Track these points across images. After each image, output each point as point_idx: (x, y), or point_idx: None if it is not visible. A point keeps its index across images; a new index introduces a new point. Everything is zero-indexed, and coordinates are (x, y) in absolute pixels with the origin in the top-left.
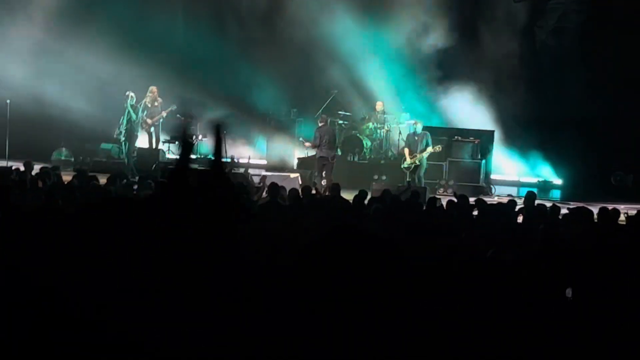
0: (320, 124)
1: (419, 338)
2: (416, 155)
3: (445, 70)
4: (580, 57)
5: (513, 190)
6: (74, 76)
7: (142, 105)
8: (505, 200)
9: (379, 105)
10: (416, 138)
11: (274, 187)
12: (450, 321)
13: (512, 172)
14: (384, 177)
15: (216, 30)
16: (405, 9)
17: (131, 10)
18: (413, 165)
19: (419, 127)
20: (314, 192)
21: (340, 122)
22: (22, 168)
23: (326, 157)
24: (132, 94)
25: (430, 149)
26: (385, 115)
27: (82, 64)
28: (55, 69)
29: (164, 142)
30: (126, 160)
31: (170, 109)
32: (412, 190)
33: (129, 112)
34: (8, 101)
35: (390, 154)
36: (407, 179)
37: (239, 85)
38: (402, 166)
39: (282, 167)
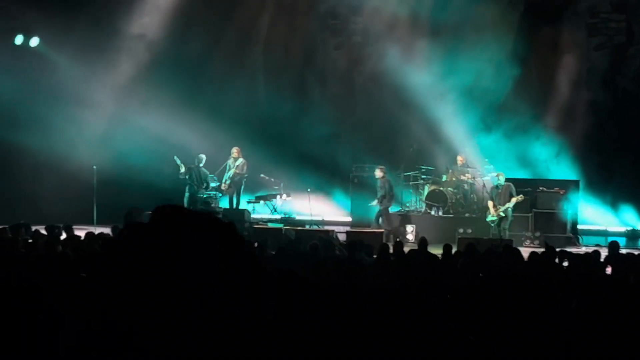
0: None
1: None
2: (499, 208)
3: (528, 121)
4: None
5: (601, 240)
6: (158, 141)
7: (226, 166)
8: (591, 250)
9: (460, 159)
10: (499, 190)
11: (353, 244)
12: None
13: (599, 222)
14: (469, 231)
15: (297, 89)
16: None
17: (213, 77)
18: (498, 218)
19: (502, 179)
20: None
21: (424, 176)
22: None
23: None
24: (202, 155)
25: (514, 200)
26: (468, 169)
27: (165, 129)
28: (138, 134)
29: (248, 202)
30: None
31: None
32: (504, 243)
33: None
34: (94, 167)
35: (474, 207)
36: (492, 232)
37: (320, 142)
38: (487, 219)
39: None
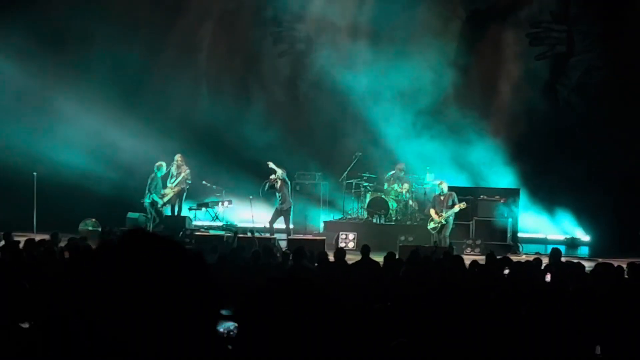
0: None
1: None
2: (442, 215)
3: (468, 127)
4: (604, 113)
5: (541, 248)
6: (99, 147)
7: (168, 174)
8: (532, 258)
9: (399, 167)
10: (442, 198)
11: (298, 250)
12: None
13: (539, 230)
14: (410, 239)
15: (240, 96)
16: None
17: (156, 82)
18: (439, 225)
19: (445, 187)
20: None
21: (365, 184)
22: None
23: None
24: (163, 163)
25: (456, 206)
26: (408, 176)
27: (109, 136)
28: (78, 139)
29: (189, 209)
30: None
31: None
32: (443, 250)
33: (157, 181)
34: (35, 173)
35: (416, 215)
36: (434, 240)
37: (263, 149)
38: (428, 227)
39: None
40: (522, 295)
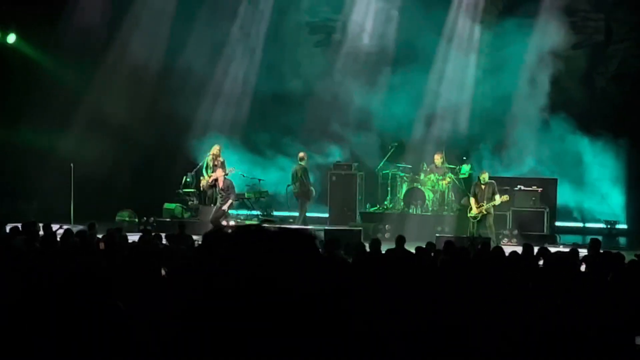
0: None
1: None
2: (483, 205)
3: (504, 117)
4: None
5: (578, 239)
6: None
7: (204, 163)
8: (569, 249)
9: (437, 158)
10: (483, 187)
11: (332, 241)
12: None
13: (578, 219)
14: (447, 229)
15: None
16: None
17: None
18: (480, 215)
19: (486, 177)
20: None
21: (402, 174)
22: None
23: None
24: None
25: (497, 199)
26: (445, 166)
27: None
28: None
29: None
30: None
31: (231, 169)
32: (482, 240)
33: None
34: (72, 164)
35: (453, 205)
36: (471, 230)
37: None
38: (468, 215)
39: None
40: (558, 285)
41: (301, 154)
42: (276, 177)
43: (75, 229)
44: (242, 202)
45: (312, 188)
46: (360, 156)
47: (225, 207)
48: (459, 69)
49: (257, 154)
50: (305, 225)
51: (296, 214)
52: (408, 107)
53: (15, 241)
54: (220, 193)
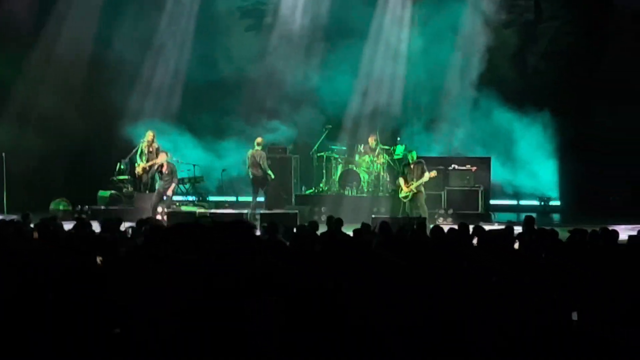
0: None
1: None
2: (412, 184)
3: (436, 96)
4: (573, 79)
5: (513, 216)
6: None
7: (138, 150)
8: (504, 226)
9: (371, 139)
10: (411, 167)
11: (272, 225)
12: (459, 347)
13: (511, 197)
14: (383, 210)
15: None
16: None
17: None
18: (411, 194)
19: (414, 156)
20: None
21: (336, 156)
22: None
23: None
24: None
25: (426, 175)
26: (379, 147)
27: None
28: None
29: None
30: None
31: (163, 155)
32: (416, 220)
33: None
34: (3, 154)
35: (388, 186)
36: (406, 210)
37: None
38: (399, 196)
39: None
40: (492, 264)
41: (259, 139)
42: (214, 160)
43: (9, 219)
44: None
45: (270, 173)
46: (302, 135)
47: (169, 192)
48: (392, 44)
49: (196, 139)
50: (254, 210)
51: (231, 198)
52: (344, 84)
53: None
54: (164, 178)
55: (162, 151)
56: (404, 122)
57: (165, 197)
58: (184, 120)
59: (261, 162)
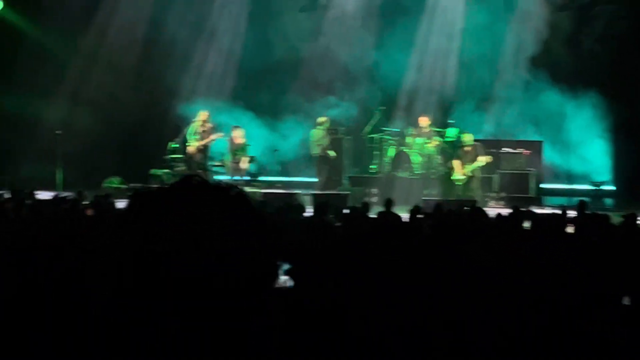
0: None
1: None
2: (467, 167)
3: (489, 76)
4: (628, 64)
5: (564, 200)
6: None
7: (191, 129)
8: (556, 210)
9: (423, 121)
10: (466, 150)
11: (321, 205)
12: (514, 329)
13: (564, 181)
14: (434, 192)
15: None
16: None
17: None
18: (465, 177)
19: (469, 139)
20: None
21: (388, 137)
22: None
23: None
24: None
25: (480, 160)
26: (432, 129)
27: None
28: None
29: (214, 166)
30: None
31: (219, 134)
32: (468, 203)
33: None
34: (59, 132)
35: (440, 168)
36: (458, 193)
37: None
38: (452, 178)
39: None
40: (544, 247)
41: (320, 119)
42: (277, 140)
43: (63, 196)
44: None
45: (329, 152)
46: (358, 114)
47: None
48: (447, 21)
49: (259, 118)
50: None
51: (285, 178)
52: (397, 63)
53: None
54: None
55: (208, 132)
56: (456, 102)
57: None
58: (242, 100)
59: (323, 142)
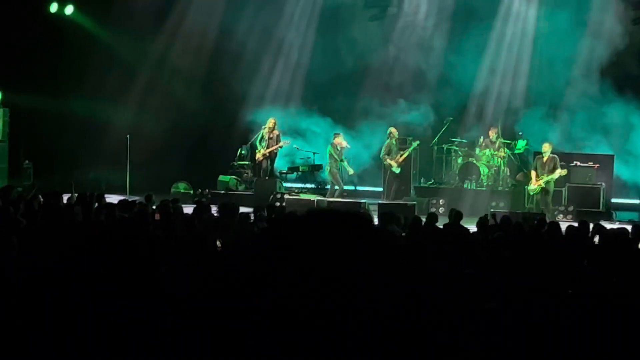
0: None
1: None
2: (542, 178)
3: (558, 86)
4: None
5: (635, 215)
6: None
7: (259, 136)
8: (626, 226)
9: (492, 132)
10: (544, 161)
11: (385, 214)
12: (577, 345)
13: (634, 196)
14: (502, 204)
15: None
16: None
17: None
18: (539, 189)
19: (548, 150)
20: None
21: (456, 148)
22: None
23: None
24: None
25: (557, 172)
26: (500, 141)
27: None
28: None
29: (280, 173)
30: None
31: (286, 142)
32: (537, 216)
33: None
34: (128, 136)
35: (508, 180)
36: (528, 205)
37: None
38: (527, 188)
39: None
40: (613, 262)
41: (392, 129)
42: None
43: (132, 200)
44: (297, 175)
45: (388, 162)
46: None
47: None
48: (518, 31)
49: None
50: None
51: (350, 187)
52: (468, 72)
53: (74, 211)
54: None
55: (274, 140)
56: (526, 111)
57: None
58: (316, 105)
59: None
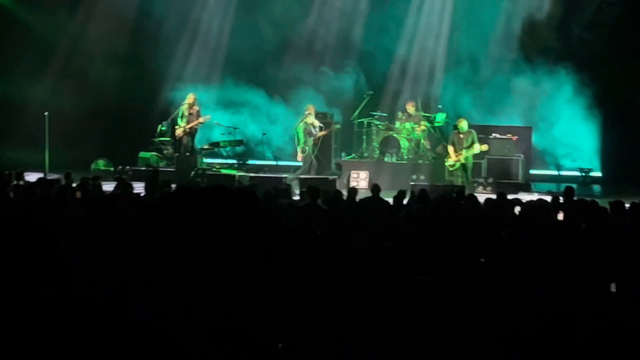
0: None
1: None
2: (461, 154)
3: (477, 61)
4: (617, 50)
5: (553, 187)
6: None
7: (179, 112)
8: (544, 197)
9: (410, 106)
10: (461, 136)
11: (313, 190)
12: (500, 313)
13: (552, 168)
14: (422, 177)
15: None
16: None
17: None
18: (458, 164)
19: (464, 125)
20: None
21: (377, 122)
22: (62, 180)
23: None
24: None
25: (477, 146)
26: (420, 114)
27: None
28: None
29: (201, 149)
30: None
31: (206, 117)
32: (456, 189)
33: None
34: (46, 113)
35: (428, 154)
36: (447, 178)
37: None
38: (446, 164)
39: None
40: (534, 232)
41: (309, 106)
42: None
43: (51, 178)
44: (217, 151)
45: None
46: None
47: None
48: (437, 4)
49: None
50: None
51: (272, 162)
52: (385, 47)
53: None
54: None
55: (194, 115)
56: (445, 86)
57: None
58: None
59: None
